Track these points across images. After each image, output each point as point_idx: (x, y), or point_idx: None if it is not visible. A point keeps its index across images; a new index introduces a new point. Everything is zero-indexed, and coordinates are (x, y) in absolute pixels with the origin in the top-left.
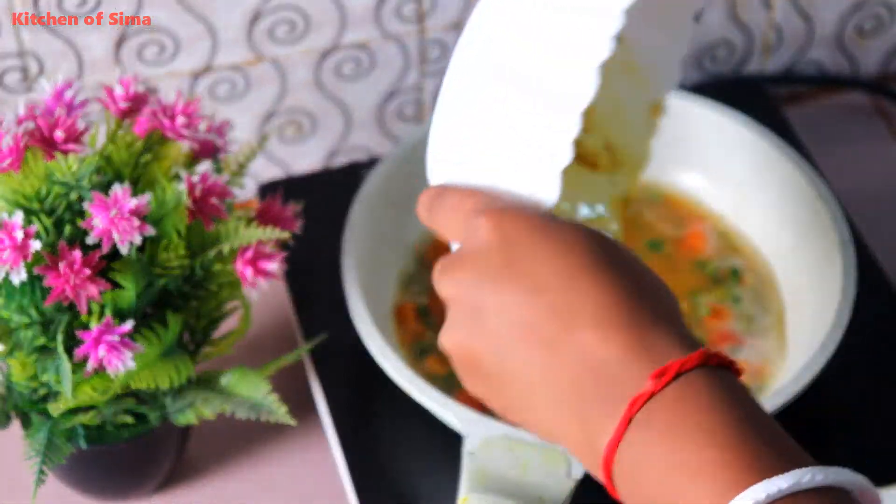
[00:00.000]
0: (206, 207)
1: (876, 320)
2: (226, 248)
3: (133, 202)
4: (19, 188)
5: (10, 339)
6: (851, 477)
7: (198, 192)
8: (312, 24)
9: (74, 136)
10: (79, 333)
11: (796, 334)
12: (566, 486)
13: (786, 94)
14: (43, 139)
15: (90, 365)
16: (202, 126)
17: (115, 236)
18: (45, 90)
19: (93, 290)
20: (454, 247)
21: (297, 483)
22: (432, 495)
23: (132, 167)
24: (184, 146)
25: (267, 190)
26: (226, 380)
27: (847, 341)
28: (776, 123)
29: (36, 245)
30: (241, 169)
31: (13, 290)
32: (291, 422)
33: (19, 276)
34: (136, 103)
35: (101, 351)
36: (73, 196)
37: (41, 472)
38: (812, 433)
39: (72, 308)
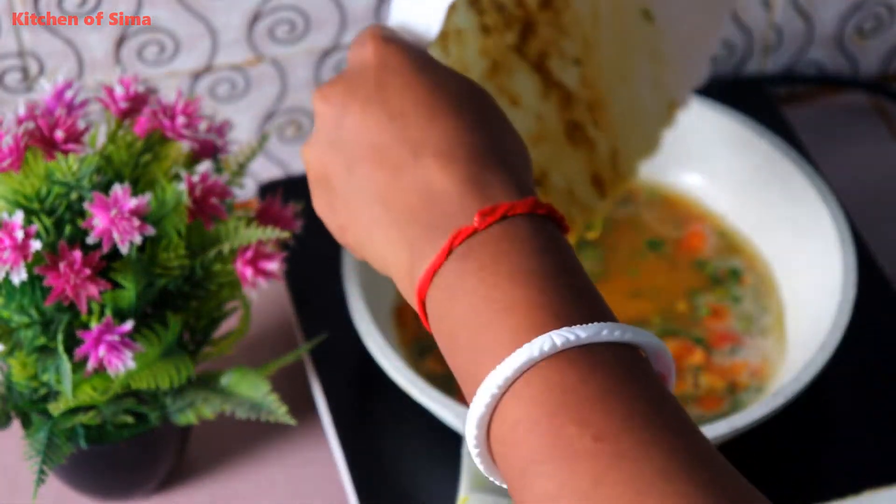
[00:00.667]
0: (206, 207)
1: (876, 320)
2: (226, 248)
3: (133, 202)
4: (19, 188)
5: (11, 339)
6: (649, 339)
7: (198, 192)
8: (312, 24)
9: (74, 136)
10: (79, 333)
11: (796, 334)
12: None
13: (786, 94)
14: (43, 139)
15: (90, 365)
16: (202, 126)
17: (116, 236)
18: (45, 90)
19: (93, 289)
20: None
21: (297, 483)
22: (432, 495)
23: (132, 167)
24: (184, 146)
25: (267, 190)
26: (226, 380)
27: (847, 341)
28: (776, 123)
29: (36, 245)
30: (241, 169)
31: (13, 289)
32: (291, 422)
33: (19, 276)
34: (137, 103)
35: (102, 351)
36: (74, 196)
37: (41, 471)
38: (812, 433)
39: (72, 308)
